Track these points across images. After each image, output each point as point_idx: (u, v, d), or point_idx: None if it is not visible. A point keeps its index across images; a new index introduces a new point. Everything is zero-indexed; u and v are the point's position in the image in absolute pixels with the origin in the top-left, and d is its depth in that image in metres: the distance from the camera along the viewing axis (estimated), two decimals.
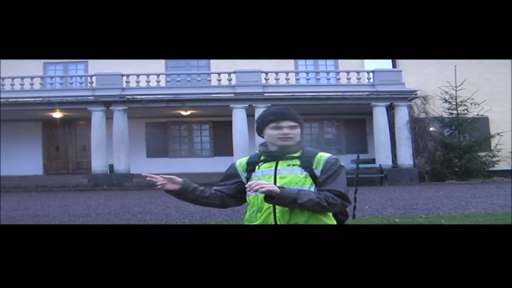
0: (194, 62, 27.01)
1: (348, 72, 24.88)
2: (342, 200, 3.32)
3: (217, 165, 25.23)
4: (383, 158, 23.48)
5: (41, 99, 23.30)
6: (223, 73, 24.30)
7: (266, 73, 24.18)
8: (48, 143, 27.02)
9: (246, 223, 3.49)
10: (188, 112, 25.01)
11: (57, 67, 27.20)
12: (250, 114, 23.38)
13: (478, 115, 25.18)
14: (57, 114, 24.60)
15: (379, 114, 23.78)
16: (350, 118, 26.81)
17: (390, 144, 23.93)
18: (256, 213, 3.38)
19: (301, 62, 27.30)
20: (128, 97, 23.60)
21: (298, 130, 3.45)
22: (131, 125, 24.11)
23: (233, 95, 23.80)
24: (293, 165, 3.38)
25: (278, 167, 3.38)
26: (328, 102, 23.56)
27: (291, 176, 3.33)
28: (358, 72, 24.96)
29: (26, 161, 25.55)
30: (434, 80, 25.64)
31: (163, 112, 24.85)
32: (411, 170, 23.74)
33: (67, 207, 14.49)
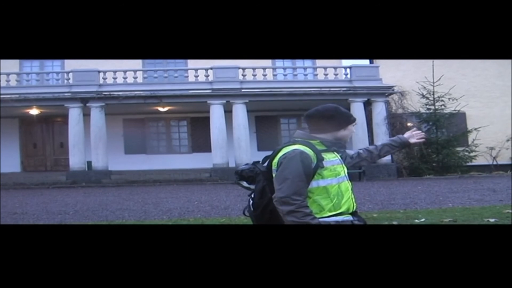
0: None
1: (325, 68, 24.96)
2: None
3: (195, 161, 25.30)
4: None
5: (17, 96, 23.16)
6: (201, 69, 24.25)
7: (244, 69, 24.21)
8: (26, 140, 26.84)
9: (327, 215, 3.44)
10: (166, 109, 24.94)
11: (33, 63, 27.02)
12: (227, 110, 23.44)
13: (455, 110, 25.25)
14: (34, 111, 24.47)
15: (357, 110, 23.80)
16: None
17: (368, 139, 23.97)
18: (341, 200, 3.50)
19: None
20: (105, 93, 23.52)
21: None
22: (109, 122, 24.03)
23: (210, 91, 23.75)
24: (341, 156, 3.69)
25: (342, 158, 3.69)
26: (306, 98, 23.58)
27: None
28: (335, 68, 25.04)
29: (3, 158, 25.28)
30: (411, 76, 25.70)
31: (141, 108, 24.78)
32: (389, 166, 23.86)
33: (45, 205, 14.39)
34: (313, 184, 3.44)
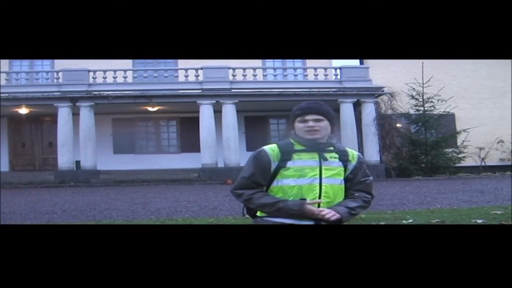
0: None
1: (315, 69, 24.98)
2: (371, 191, 3.72)
3: (184, 161, 25.28)
4: None
5: (6, 95, 23.02)
6: (190, 69, 24.20)
7: (234, 69, 24.17)
8: (14, 140, 26.71)
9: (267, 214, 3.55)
10: (155, 108, 24.90)
11: (23, 62, 26.86)
12: (217, 111, 23.42)
13: (444, 111, 25.32)
14: (23, 110, 24.34)
15: (346, 111, 23.88)
16: None
17: (357, 140, 24.04)
18: None
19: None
20: (95, 93, 23.44)
21: (324, 123, 3.56)
22: (98, 122, 23.93)
23: (200, 91, 23.70)
24: (334, 157, 3.55)
25: (322, 159, 3.51)
26: (295, 98, 23.48)
27: (338, 169, 3.55)
28: (325, 69, 25.08)
29: None
30: (401, 77, 25.75)
31: (130, 108, 24.72)
32: (378, 166, 23.88)
33: (33, 204, 14.31)
34: (274, 183, 3.52)
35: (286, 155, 3.50)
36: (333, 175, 3.50)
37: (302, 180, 3.44)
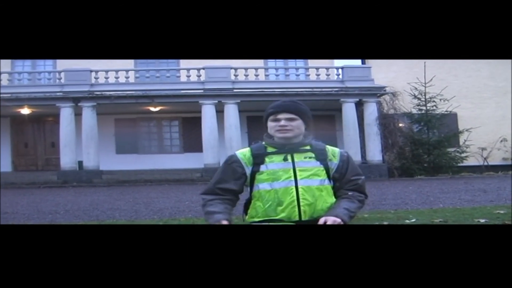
0: None
1: (317, 68, 25.00)
2: (364, 190, 3.56)
3: (187, 161, 25.28)
4: (352, 154, 22.77)
5: (9, 95, 23.04)
6: (193, 69, 24.19)
7: (236, 69, 24.20)
8: (17, 140, 26.76)
9: (256, 220, 3.45)
10: (158, 108, 24.92)
11: (25, 63, 26.96)
12: (219, 110, 23.43)
13: (446, 111, 25.27)
14: (26, 111, 24.38)
15: (349, 110, 23.89)
16: (320, 114, 26.79)
17: (359, 140, 24.05)
18: (276, 207, 3.36)
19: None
20: (97, 93, 23.48)
21: (297, 123, 3.43)
22: (100, 122, 23.92)
23: (202, 91, 23.72)
24: (310, 157, 3.42)
25: (296, 160, 3.39)
26: (297, 98, 23.41)
27: (315, 169, 3.39)
28: (327, 68, 25.08)
29: None
30: (403, 77, 25.73)
31: (132, 108, 24.73)
32: (381, 166, 23.90)
33: (36, 204, 14.32)
34: (254, 188, 3.44)
35: (258, 158, 3.43)
36: (310, 176, 3.36)
37: (277, 183, 3.35)
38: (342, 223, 3.23)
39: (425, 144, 24.95)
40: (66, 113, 23.13)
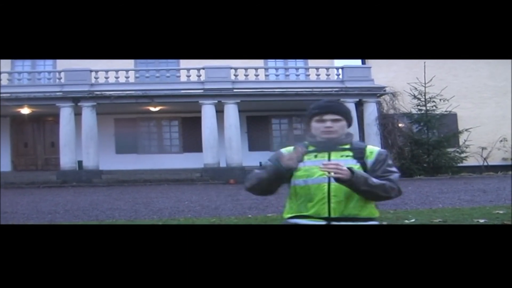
0: None
1: (317, 68, 24.99)
2: (398, 185, 3.45)
3: (187, 161, 25.27)
4: None
5: (8, 95, 23.02)
6: (192, 69, 24.15)
7: (236, 69, 24.18)
8: (16, 140, 26.75)
9: (289, 215, 3.51)
10: (157, 108, 24.91)
11: (25, 63, 26.91)
12: (219, 110, 23.42)
13: (446, 111, 25.23)
14: (25, 110, 24.35)
15: None
16: None
17: (359, 140, 23.93)
18: (307, 203, 3.40)
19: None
20: (97, 93, 23.47)
21: (342, 123, 3.48)
22: (100, 121, 23.90)
23: (202, 91, 23.72)
24: (347, 156, 3.44)
25: (332, 158, 3.41)
26: (297, 98, 23.59)
27: (350, 167, 3.33)
28: (327, 68, 25.08)
29: None
30: (403, 77, 25.68)
31: (132, 108, 24.72)
32: None
33: (35, 204, 14.34)
34: (291, 184, 3.49)
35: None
36: None
37: (310, 180, 3.38)
38: (347, 175, 3.20)
39: (425, 144, 24.93)
40: (66, 113, 23.12)
